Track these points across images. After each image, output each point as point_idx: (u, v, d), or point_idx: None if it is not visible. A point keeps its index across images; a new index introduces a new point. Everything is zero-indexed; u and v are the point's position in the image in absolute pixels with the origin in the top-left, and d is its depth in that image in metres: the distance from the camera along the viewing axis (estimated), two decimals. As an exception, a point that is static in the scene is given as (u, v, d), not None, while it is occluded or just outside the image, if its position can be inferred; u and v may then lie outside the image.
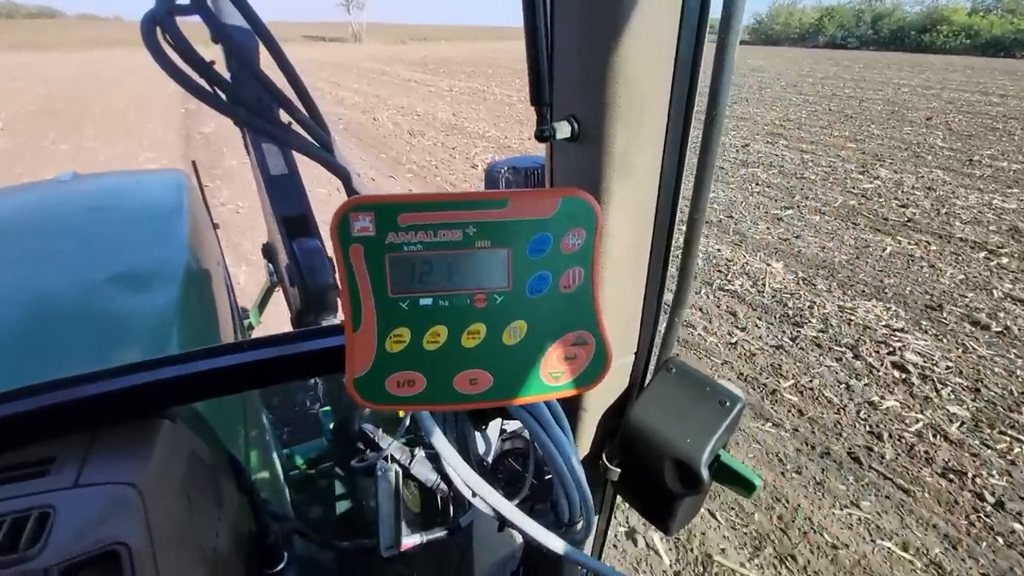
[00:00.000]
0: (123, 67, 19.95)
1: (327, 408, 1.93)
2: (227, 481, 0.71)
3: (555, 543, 0.59)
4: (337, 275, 0.43)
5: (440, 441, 0.55)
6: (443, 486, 0.78)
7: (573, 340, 0.46)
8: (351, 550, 0.76)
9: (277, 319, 3.31)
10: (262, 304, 2.31)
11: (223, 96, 1.00)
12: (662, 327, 0.68)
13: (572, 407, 0.70)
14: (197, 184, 1.74)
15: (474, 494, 0.65)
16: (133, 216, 1.26)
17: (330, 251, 1.18)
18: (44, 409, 0.57)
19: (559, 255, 0.44)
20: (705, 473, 0.62)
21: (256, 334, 2.72)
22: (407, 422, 0.70)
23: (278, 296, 2.28)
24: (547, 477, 0.69)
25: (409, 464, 0.76)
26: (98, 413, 0.59)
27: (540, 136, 0.52)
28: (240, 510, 0.72)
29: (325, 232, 1.27)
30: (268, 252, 1.58)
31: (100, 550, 0.48)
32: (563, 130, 0.53)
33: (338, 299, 1.15)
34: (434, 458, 0.79)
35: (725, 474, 0.65)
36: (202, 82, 0.96)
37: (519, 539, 1.08)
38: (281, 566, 0.67)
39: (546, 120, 0.51)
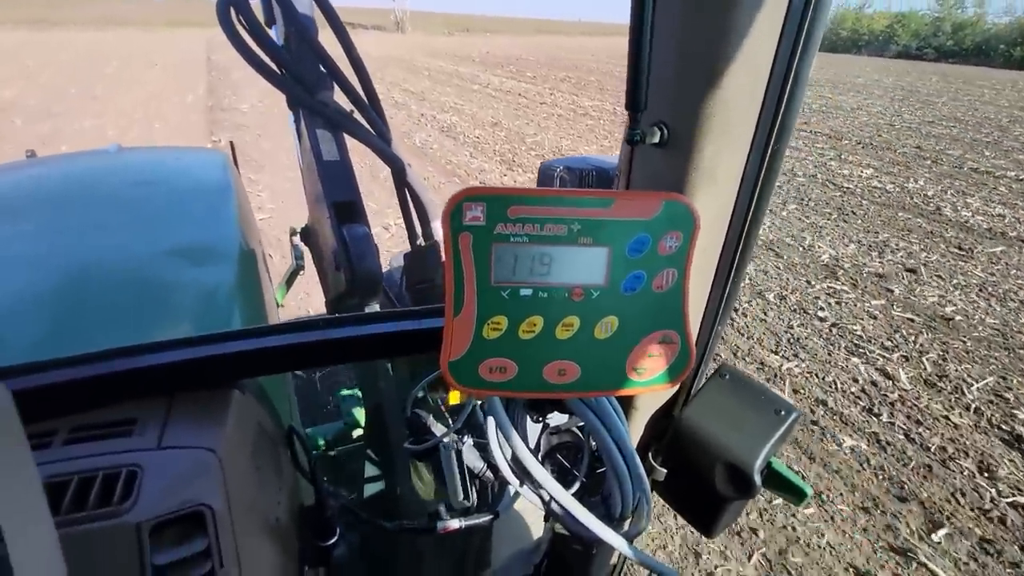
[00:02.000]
0: (133, 54, 15.13)
1: (348, 391, 1.96)
2: (285, 453, 0.73)
3: (612, 537, 0.60)
4: (443, 260, 0.45)
5: (509, 430, 0.57)
6: (488, 474, 0.80)
7: (660, 338, 0.48)
8: (396, 531, 0.78)
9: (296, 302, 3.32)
10: (288, 284, 2.34)
11: (289, 78, 1.02)
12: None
13: (622, 406, 0.72)
14: (235, 163, 1.76)
15: (523, 483, 0.67)
16: (184, 192, 1.28)
17: (376, 239, 1.19)
18: (127, 372, 0.59)
19: (656, 256, 0.45)
20: (757, 478, 0.64)
21: (281, 313, 2.75)
22: (466, 412, 0.72)
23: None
24: (599, 471, 0.71)
25: (460, 451, 0.78)
26: (177, 379, 0.62)
27: (631, 140, 0.54)
28: (296, 481, 0.74)
29: (372, 219, 1.29)
30: (306, 236, 1.61)
31: (186, 511, 0.50)
32: (653, 136, 0.54)
33: (381, 286, 1.17)
34: (481, 447, 0.80)
35: (776, 481, 0.66)
36: (271, 63, 0.99)
37: (543, 531, 1.10)
38: (333, 540, 0.69)
39: (638, 125, 0.53)
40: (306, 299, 3.41)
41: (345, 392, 1.92)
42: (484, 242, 0.43)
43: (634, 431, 0.75)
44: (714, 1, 0.48)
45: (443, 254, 0.44)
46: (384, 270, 1.32)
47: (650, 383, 0.50)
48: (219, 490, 0.53)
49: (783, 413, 0.66)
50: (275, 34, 1.16)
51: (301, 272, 2.21)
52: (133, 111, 8.36)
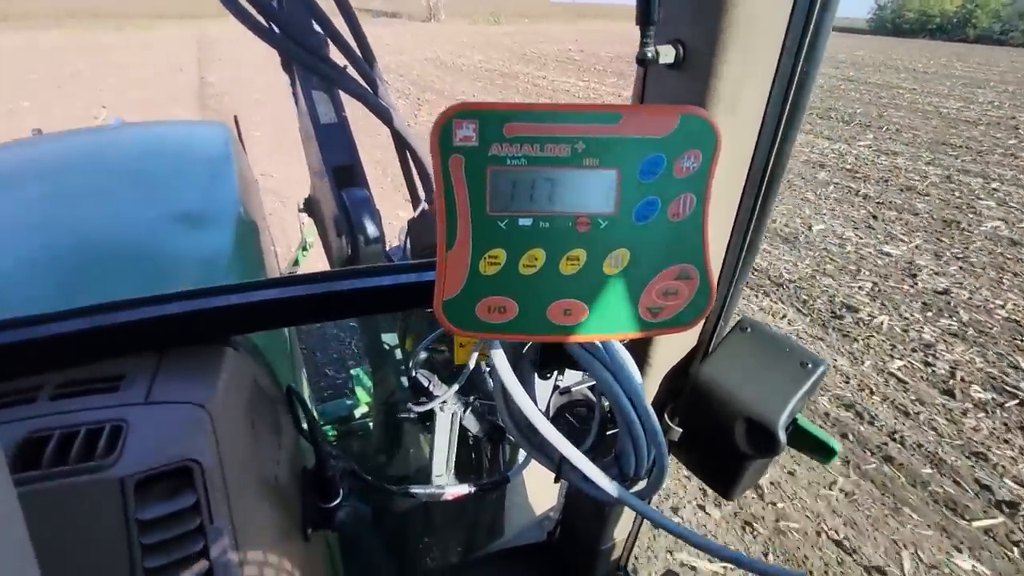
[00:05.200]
0: (74, 82, 9.03)
1: (358, 370, 1.95)
2: (285, 414, 0.70)
3: (624, 495, 0.57)
4: (434, 190, 0.40)
5: (513, 383, 0.54)
6: (496, 436, 0.77)
7: (677, 274, 0.43)
8: (401, 494, 0.75)
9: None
10: (296, 263, 2.33)
11: (282, 35, 0.98)
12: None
13: (636, 362, 0.68)
14: (239, 138, 1.73)
15: (531, 443, 0.64)
16: (185, 163, 1.26)
17: (377, 203, 1.16)
18: (115, 327, 0.57)
19: (671, 179, 0.41)
20: (782, 435, 0.59)
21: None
22: (466, 372, 0.68)
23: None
24: (610, 432, 0.67)
25: (463, 414, 0.75)
26: (167, 334, 0.59)
27: (641, 59, 0.48)
28: (297, 444, 0.72)
29: (372, 183, 1.25)
30: (309, 206, 1.58)
31: (174, 465, 0.48)
32: (666, 55, 0.49)
33: (383, 250, 1.13)
34: (488, 409, 0.77)
35: (802, 438, 0.62)
36: (258, 16, 0.94)
37: (555, 498, 1.07)
38: (336, 502, 0.67)
39: (650, 42, 0.48)
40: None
41: (355, 370, 1.92)
42: (478, 165, 0.39)
43: (649, 389, 0.71)
44: None
45: (432, 180, 0.40)
46: (394, 246, 1.29)
47: (666, 324, 0.45)
48: (209, 446, 0.50)
49: (810, 366, 0.61)
50: None
51: (310, 247, 2.19)
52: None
